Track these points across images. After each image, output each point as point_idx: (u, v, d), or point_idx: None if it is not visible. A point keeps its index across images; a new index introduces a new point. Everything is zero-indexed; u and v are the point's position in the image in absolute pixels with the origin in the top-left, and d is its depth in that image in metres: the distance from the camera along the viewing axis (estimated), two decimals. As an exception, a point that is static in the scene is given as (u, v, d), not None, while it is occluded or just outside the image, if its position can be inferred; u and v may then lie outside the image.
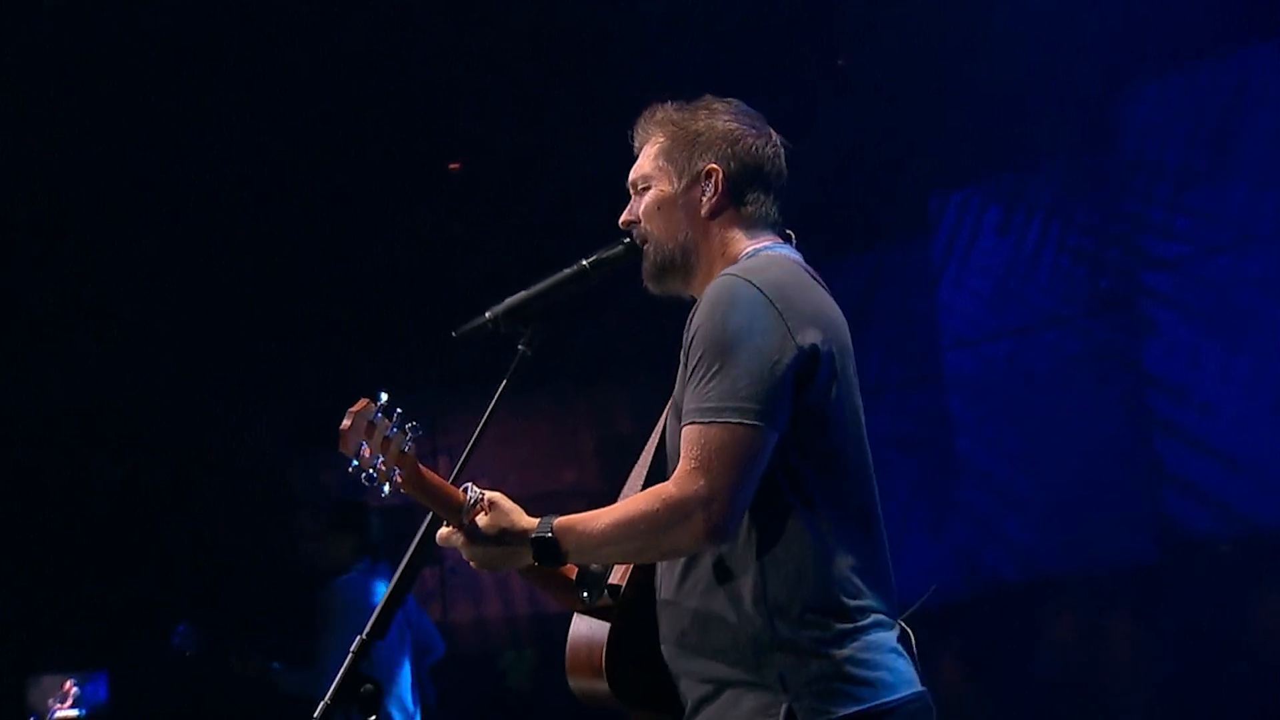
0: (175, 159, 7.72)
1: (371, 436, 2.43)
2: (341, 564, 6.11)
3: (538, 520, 2.52)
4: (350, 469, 2.42)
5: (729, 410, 2.44)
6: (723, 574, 2.52)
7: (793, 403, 2.49)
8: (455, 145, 8.28)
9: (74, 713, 8.36)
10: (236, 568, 9.00)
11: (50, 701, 8.34)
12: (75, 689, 8.39)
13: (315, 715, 2.35)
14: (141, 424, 8.97)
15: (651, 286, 2.77)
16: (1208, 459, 7.21)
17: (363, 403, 2.44)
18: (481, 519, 2.53)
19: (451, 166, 8.43)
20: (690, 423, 2.47)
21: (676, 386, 2.62)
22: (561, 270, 2.71)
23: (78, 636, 8.65)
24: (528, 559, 2.54)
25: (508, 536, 2.52)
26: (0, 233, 7.90)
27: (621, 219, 2.78)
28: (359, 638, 2.41)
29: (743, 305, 2.50)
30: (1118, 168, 7.74)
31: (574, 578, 2.64)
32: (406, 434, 2.48)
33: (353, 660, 2.39)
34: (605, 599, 2.63)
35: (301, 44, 7.17)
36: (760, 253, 2.69)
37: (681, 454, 2.47)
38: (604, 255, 2.74)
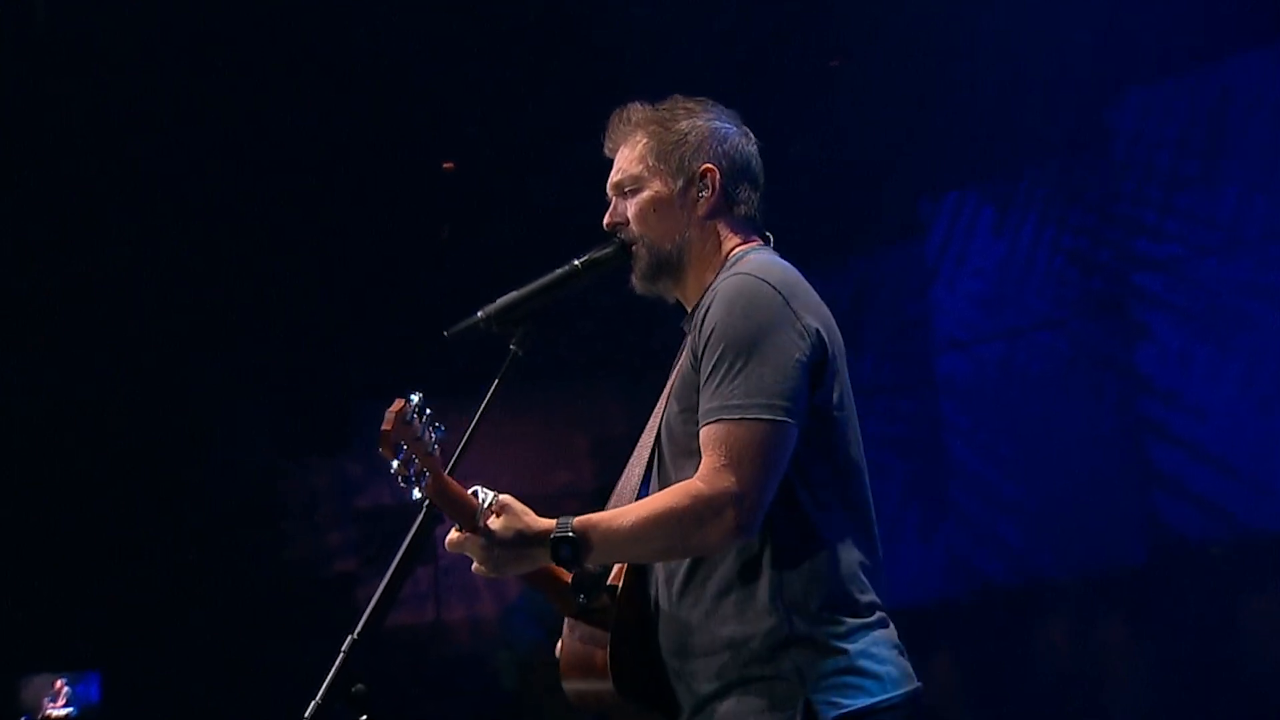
0: (164, 161, 7.70)
1: (406, 438, 2.38)
2: None
3: (553, 521, 2.47)
4: (390, 471, 2.36)
5: (756, 407, 2.46)
6: (736, 573, 2.53)
7: (808, 401, 2.52)
8: (445, 146, 8.26)
9: (66, 712, 8.35)
10: (227, 569, 8.99)
11: (43, 701, 8.33)
12: (67, 688, 8.38)
13: (306, 715, 2.33)
14: (134, 427, 8.96)
15: (641, 287, 2.75)
16: (1198, 462, 7.21)
17: (399, 403, 2.38)
18: (495, 522, 2.47)
19: (445, 166, 8.42)
20: (716, 420, 2.47)
21: (676, 383, 2.63)
22: (553, 270, 2.69)
23: (70, 637, 8.64)
24: (542, 561, 2.49)
25: (523, 539, 2.46)
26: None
27: (606, 221, 2.75)
28: (349, 637, 2.39)
29: (761, 303, 2.52)
30: (1109, 170, 7.75)
31: (569, 581, 2.59)
32: (432, 435, 2.43)
33: (343, 660, 2.37)
34: (603, 599, 2.60)
35: (295, 45, 7.17)
36: (750, 254, 2.69)
37: (708, 450, 2.47)
38: (596, 255, 2.71)
